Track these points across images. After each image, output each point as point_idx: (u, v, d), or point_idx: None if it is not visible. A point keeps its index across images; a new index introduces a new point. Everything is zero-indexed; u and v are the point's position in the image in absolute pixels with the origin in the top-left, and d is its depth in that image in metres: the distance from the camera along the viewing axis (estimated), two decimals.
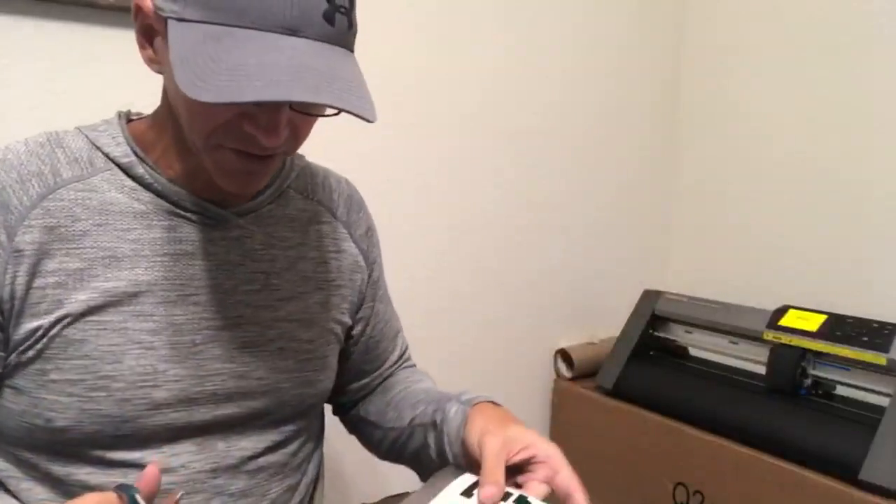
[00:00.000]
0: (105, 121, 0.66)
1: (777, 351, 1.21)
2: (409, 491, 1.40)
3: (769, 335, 1.23)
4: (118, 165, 0.63)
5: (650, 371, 1.41)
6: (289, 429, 0.72)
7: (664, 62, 1.74)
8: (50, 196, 0.60)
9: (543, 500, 0.58)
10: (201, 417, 0.64)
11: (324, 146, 1.24)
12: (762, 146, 1.58)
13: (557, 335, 1.61)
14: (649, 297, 1.48)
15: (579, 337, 1.61)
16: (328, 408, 0.88)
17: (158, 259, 0.63)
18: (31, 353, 0.59)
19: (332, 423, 0.89)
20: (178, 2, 0.52)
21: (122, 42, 0.98)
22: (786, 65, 1.53)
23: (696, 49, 1.73)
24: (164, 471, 0.61)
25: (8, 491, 0.64)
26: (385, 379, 0.87)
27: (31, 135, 0.64)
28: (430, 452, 0.71)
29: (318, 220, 0.75)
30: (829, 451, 1.08)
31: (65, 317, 0.59)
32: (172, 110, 0.61)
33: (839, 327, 1.17)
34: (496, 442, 0.60)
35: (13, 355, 0.60)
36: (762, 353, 1.25)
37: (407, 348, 0.92)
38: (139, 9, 0.57)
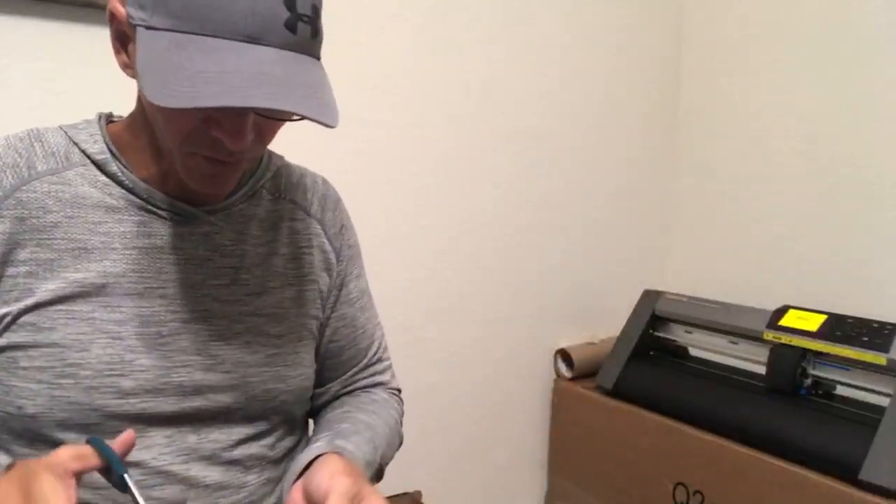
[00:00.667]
0: (86, 120, 0.69)
1: (777, 351, 1.21)
2: (410, 491, 1.40)
3: (769, 335, 1.23)
4: (93, 162, 0.65)
5: (650, 371, 1.41)
6: (262, 423, 0.72)
7: (664, 62, 1.74)
8: (23, 187, 0.62)
9: None
10: (169, 408, 0.65)
11: (324, 146, 1.25)
12: (762, 146, 1.58)
13: (557, 335, 1.61)
14: (649, 297, 1.48)
15: (579, 337, 1.61)
16: None
17: (128, 252, 0.65)
18: (1, 340, 0.62)
19: None
20: (146, 10, 0.54)
21: None
22: (785, 65, 1.53)
23: (696, 49, 1.73)
24: (136, 463, 0.63)
25: None
26: (347, 392, 0.82)
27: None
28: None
29: (290, 217, 0.76)
30: (829, 451, 1.08)
31: (34, 305, 0.61)
32: (147, 115, 0.64)
33: (839, 327, 1.17)
34: (349, 485, 0.58)
35: None
36: (762, 353, 1.25)
37: (384, 367, 0.86)
38: (113, 15, 0.59)
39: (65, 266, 0.63)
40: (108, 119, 0.70)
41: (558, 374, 1.59)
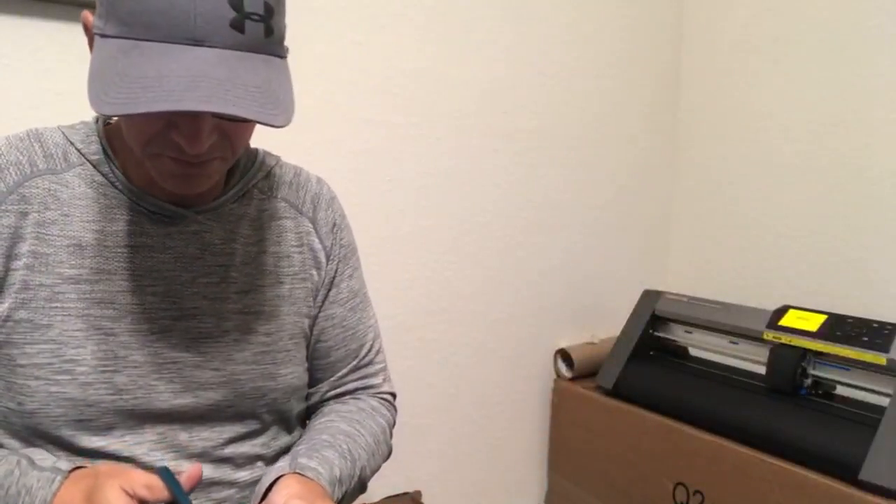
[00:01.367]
0: (83, 122, 0.70)
1: (777, 351, 1.21)
2: (410, 491, 1.40)
3: (769, 335, 1.23)
4: (89, 162, 0.67)
5: (650, 371, 1.41)
6: (253, 422, 0.72)
7: (664, 62, 1.74)
8: (26, 183, 0.64)
9: None
10: (161, 406, 0.67)
11: (325, 146, 1.25)
12: (762, 146, 1.58)
13: (557, 335, 1.61)
14: (649, 297, 1.48)
15: (579, 337, 1.61)
16: None
17: (119, 250, 0.66)
18: (0, 337, 0.63)
19: None
20: (101, 18, 0.55)
21: None
22: (785, 65, 1.53)
23: (696, 49, 1.73)
24: (127, 459, 0.65)
25: None
26: (337, 395, 0.82)
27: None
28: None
29: (282, 216, 0.76)
30: (829, 451, 1.08)
31: (30, 300, 0.63)
32: None
33: (839, 327, 1.17)
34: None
35: None
36: (762, 353, 1.25)
37: (375, 370, 0.84)
38: (85, 25, 0.60)
39: (60, 262, 0.64)
40: (106, 121, 0.71)
41: (558, 374, 1.59)
